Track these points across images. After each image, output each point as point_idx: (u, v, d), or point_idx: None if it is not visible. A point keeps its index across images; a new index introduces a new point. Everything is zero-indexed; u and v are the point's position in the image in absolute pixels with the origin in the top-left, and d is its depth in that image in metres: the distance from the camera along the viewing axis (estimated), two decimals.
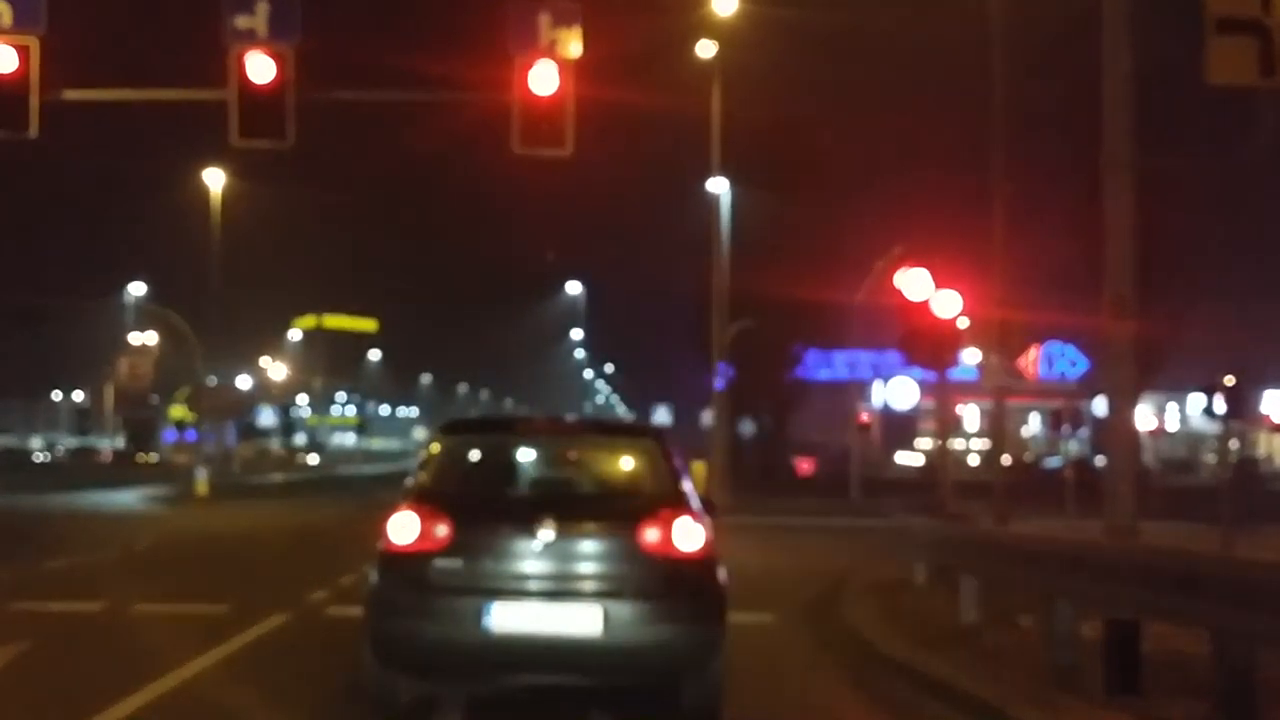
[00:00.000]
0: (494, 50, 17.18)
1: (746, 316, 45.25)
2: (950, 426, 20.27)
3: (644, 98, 38.01)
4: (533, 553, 7.84)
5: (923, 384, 36.06)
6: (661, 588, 7.82)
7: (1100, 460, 19.71)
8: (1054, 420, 33.64)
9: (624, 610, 7.74)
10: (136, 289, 77.32)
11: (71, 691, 9.00)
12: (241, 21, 16.49)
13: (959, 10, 22.10)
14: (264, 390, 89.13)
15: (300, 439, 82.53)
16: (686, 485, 8.57)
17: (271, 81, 16.58)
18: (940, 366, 18.26)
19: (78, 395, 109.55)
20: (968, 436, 73.38)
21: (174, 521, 31.46)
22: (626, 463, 9.11)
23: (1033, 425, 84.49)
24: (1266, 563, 7.59)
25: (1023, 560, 10.29)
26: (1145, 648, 8.84)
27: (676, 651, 7.90)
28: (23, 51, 16.12)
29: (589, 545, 7.96)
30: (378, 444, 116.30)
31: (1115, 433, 10.29)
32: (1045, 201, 35.20)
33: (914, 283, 17.58)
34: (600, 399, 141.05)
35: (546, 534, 7.81)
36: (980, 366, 18.37)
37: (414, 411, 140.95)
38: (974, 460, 71.70)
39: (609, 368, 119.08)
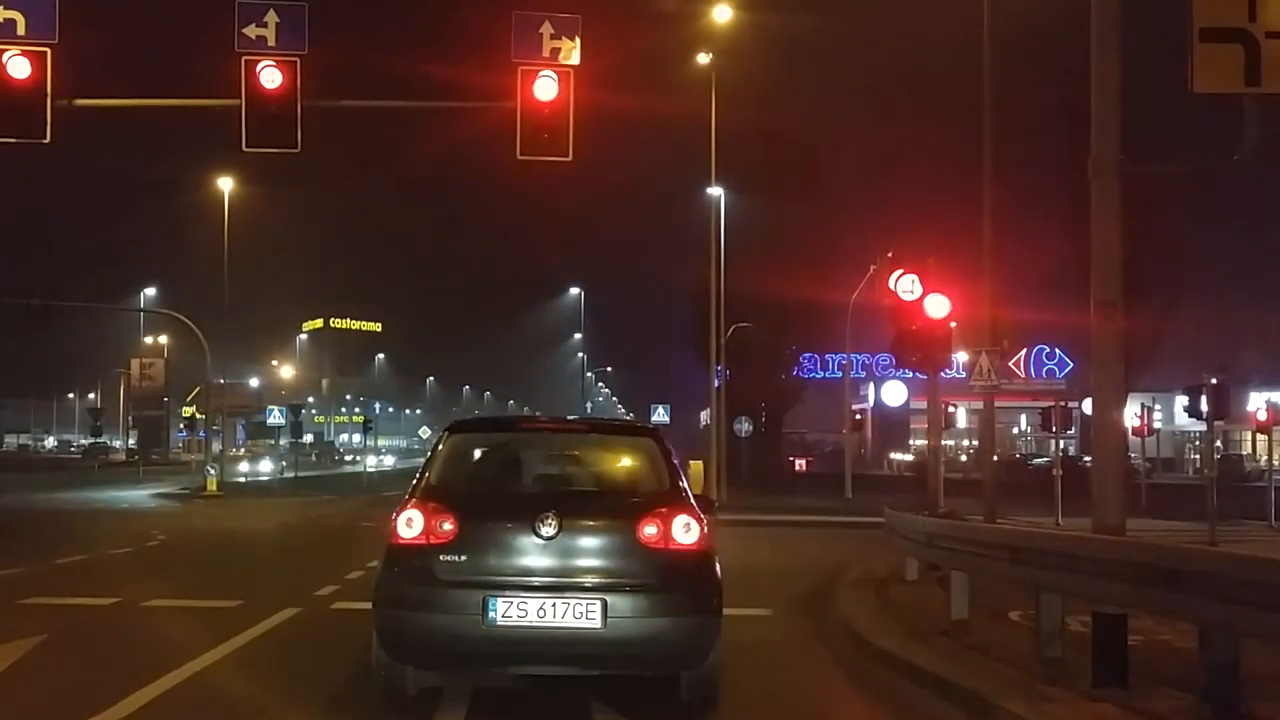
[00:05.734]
0: (497, 60, 17.48)
1: (743, 318, 45.45)
2: (940, 426, 20.36)
3: (644, 106, 38.32)
4: (535, 547, 7.95)
5: (914, 384, 36.25)
6: (660, 581, 7.94)
7: (1088, 459, 19.88)
8: (1043, 420, 33.88)
9: (623, 603, 7.84)
10: (149, 292, 77.64)
11: (87, 682, 9.14)
12: (252, 31, 16.73)
13: (953, 15, 22.28)
14: (273, 390, 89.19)
15: (308, 438, 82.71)
16: (684, 482, 8.75)
17: (280, 90, 16.84)
18: (932, 369, 18.35)
19: (91, 396, 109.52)
20: (958, 436, 73.61)
21: (185, 518, 31.57)
22: (626, 461, 9.25)
23: (1022, 424, 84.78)
24: (1250, 557, 7.72)
25: (1011, 556, 10.41)
26: (1132, 641, 8.98)
27: (674, 643, 8.03)
28: (37, 59, 16.40)
29: (590, 540, 8.06)
30: (384, 442, 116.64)
31: (1102, 432, 10.39)
32: (1034, 202, 35.45)
33: (906, 285, 17.73)
34: (600, 399, 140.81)
35: (548, 529, 7.93)
36: (969, 367, 18.44)
37: (419, 411, 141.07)
38: (964, 458, 72.08)
39: (609, 369, 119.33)
